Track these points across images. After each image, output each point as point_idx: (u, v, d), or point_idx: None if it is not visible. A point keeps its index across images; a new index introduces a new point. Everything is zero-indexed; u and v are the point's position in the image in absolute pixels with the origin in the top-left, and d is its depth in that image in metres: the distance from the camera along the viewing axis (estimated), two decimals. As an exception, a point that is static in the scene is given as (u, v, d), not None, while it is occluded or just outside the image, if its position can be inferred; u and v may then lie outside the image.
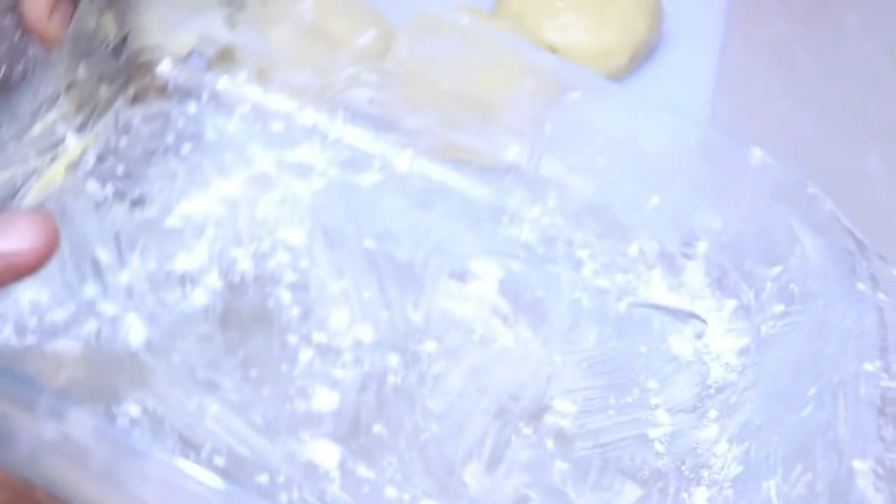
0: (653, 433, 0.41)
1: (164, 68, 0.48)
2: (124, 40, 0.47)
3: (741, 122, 0.56)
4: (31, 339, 0.37)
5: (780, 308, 0.44)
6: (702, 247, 0.47)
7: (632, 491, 0.39)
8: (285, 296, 0.42)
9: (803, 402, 0.39)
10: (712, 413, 0.42)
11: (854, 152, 0.52)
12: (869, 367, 0.37)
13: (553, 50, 0.54)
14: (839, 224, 0.43)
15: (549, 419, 0.40)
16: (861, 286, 0.40)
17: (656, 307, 0.47)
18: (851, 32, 0.51)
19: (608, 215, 0.48)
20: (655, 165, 0.47)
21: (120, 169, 0.44)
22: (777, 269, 0.45)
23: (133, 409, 0.36)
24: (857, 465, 0.33)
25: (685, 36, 0.59)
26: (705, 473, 0.40)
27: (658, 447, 0.41)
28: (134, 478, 0.29)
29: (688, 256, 0.47)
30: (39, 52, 0.43)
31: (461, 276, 0.45)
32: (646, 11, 0.56)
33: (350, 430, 0.38)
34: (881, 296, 0.40)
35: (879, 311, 0.39)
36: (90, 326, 0.38)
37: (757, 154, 0.45)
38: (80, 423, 0.29)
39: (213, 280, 0.41)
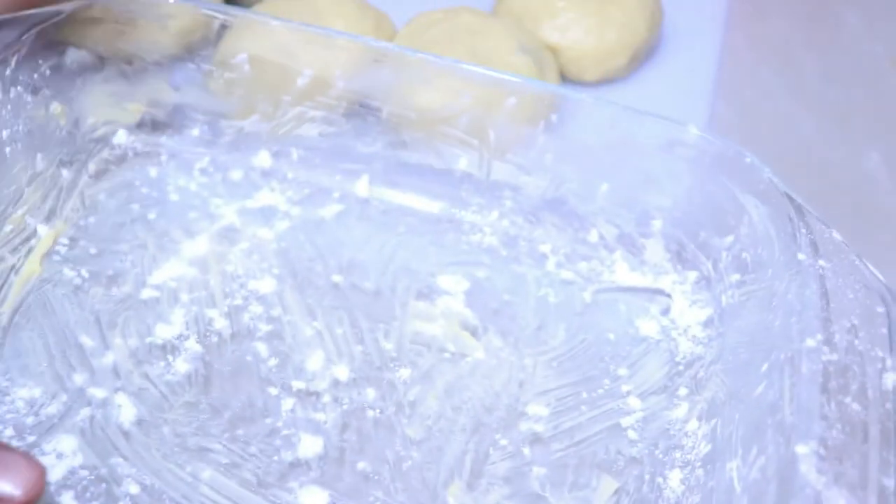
0: (625, 421, 0.43)
1: (120, 139, 0.50)
2: (76, 122, 0.49)
3: (741, 122, 0.57)
4: (30, 439, 0.40)
5: (736, 277, 0.46)
6: (657, 224, 0.49)
7: (608, 485, 0.41)
8: (262, 348, 0.44)
9: (758, 379, 0.40)
10: (682, 391, 0.44)
11: (854, 152, 0.52)
12: (810, 342, 0.38)
13: (553, 50, 0.55)
14: (778, 191, 0.44)
15: (523, 426, 0.43)
16: (801, 256, 0.41)
17: (622, 289, 0.49)
18: (851, 32, 0.51)
19: (564, 208, 0.50)
20: (600, 154, 0.48)
21: (92, 249, 0.47)
22: (730, 239, 0.46)
23: (133, 488, 0.39)
24: (800, 449, 0.35)
25: (685, 36, 0.59)
26: (678, 455, 0.42)
27: (631, 435, 0.43)
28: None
29: (645, 235, 0.49)
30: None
31: (428, 294, 0.47)
32: (646, 12, 0.56)
33: (335, 473, 0.40)
34: (822, 262, 0.41)
35: (821, 279, 0.41)
36: (84, 413, 0.41)
37: (693, 131, 0.46)
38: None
39: (193, 345, 0.44)
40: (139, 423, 0.41)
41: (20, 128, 0.46)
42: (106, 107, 0.49)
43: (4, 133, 0.45)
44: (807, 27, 0.50)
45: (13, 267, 0.45)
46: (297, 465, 0.41)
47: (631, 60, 0.56)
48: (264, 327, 0.45)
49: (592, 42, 0.56)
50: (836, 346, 0.38)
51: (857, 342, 0.39)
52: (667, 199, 0.48)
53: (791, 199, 0.43)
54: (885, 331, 0.39)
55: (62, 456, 0.40)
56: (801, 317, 0.39)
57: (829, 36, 0.50)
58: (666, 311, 0.48)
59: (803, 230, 0.42)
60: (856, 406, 0.37)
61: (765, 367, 0.40)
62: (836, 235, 0.42)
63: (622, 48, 0.56)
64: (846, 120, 0.53)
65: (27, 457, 0.35)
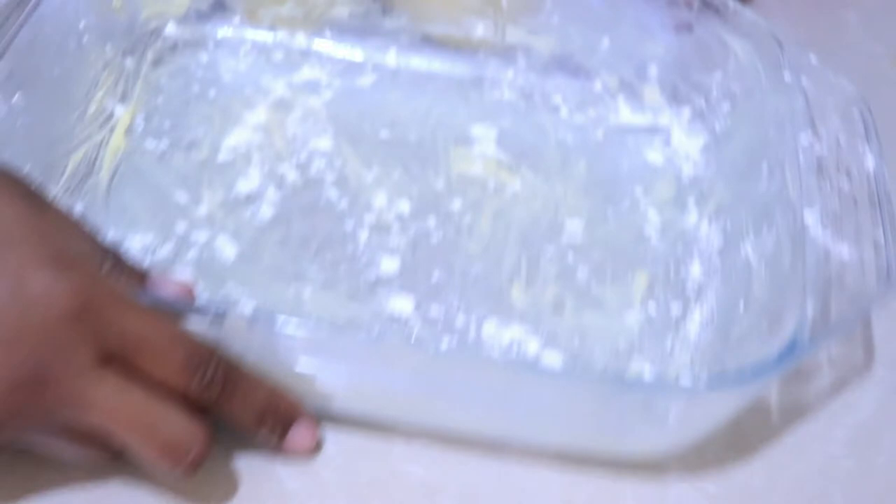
0: (647, 229, 0.51)
1: (171, 30, 0.56)
2: (133, 15, 0.55)
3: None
4: (152, 275, 0.46)
5: (727, 106, 0.54)
6: (653, 70, 0.56)
7: (642, 277, 0.49)
8: (332, 192, 0.51)
9: (759, 178, 0.48)
10: (691, 202, 0.52)
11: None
12: (803, 140, 0.46)
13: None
14: (761, 27, 0.52)
15: (564, 237, 0.50)
16: (787, 76, 0.49)
17: (627, 128, 0.56)
18: (851, 32, 0.51)
19: (571, 62, 0.57)
20: (600, 12, 0.55)
21: (166, 124, 0.53)
22: (718, 74, 0.54)
23: (248, 308, 0.46)
24: (808, 217, 0.43)
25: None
26: (696, 250, 0.50)
27: (654, 239, 0.51)
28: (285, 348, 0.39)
29: (643, 80, 0.56)
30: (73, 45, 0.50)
31: (464, 142, 0.54)
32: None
33: (414, 283, 0.47)
34: (804, 79, 0.49)
35: (804, 93, 0.48)
36: (192, 253, 0.47)
37: (680, -17, 0.54)
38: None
39: (272, 194, 0.50)
40: (241, 256, 0.47)
41: (92, 19, 0.51)
42: (156, 1, 0.55)
43: (82, 23, 0.51)
44: (807, 27, 0.50)
45: (102, 141, 0.51)
46: (381, 280, 0.47)
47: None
48: (330, 176, 0.51)
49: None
50: (824, 141, 0.46)
51: (840, 137, 0.47)
52: (660, 46, 0.56)
53: (773, 35, 0.51)
54: (861, 127, 0.47)
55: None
56: (793, 123, 0.47)
57: (829, 36, 0.50)
58: (667, 143, 0.55)
59: (786, 55, 0.50)
60: (846, 184, 0.45)
61: (765, 167, 0.48)
62: (814, 58, 0.50)
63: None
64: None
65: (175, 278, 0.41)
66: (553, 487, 0.41)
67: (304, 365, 0.39)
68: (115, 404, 0.36)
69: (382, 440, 0.42)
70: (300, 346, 0.39)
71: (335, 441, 0.42)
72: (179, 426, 0.37)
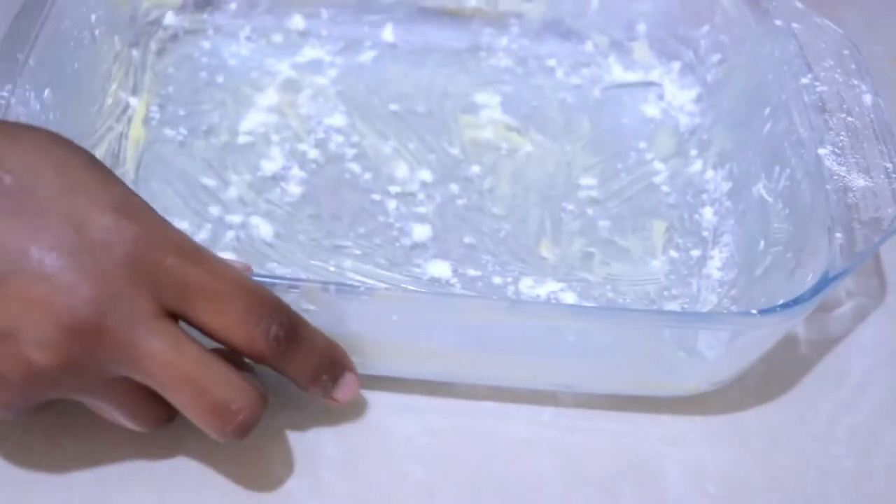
0: (657, 179, 0.54)
1: (170, 20, 0.57)
2: (135, 7, 0.55)
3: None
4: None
5: (717, 57, 0.56)
6: (641, 28, 0.59)
7: (659, 225, 0.51)
8: (354, 167, 0.52)
9: (763, 121, 0.51)
10: (693, 151, 0.55)
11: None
12: (804, 80, 0.49)
13: None
14: (745, -21, 0.54)
15: (581, 193, 0.52)
16: (777, 22, 0.52)
17: (621, 85, 0.58)
18: (851, 32, 0.50)
19: (562, 26, 0.59)
20: (588, -25, 0.57)
21: (181, 112, 0.53)
22: (706, 27, 0.57)
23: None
24: (821, 150, 0.46)
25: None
26: (705, 196, 0.53)
27: (664, 188, 0.53)
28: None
29: (632, 39, 0.59)
30: (87, 38, 0.51)
31: (471, 109, 0.56)
32: None
33: (448, 248, 0.49)
34: (795, 24, 0.52)
35: (796, 37, 0.51)
36: (230, 235, 0.48)
37: (664, -57, 0.56)
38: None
39: (297, 172, 0.51)
40: (277, 235, 0.49)
41: (101, 12, 0.52)
42: (154, -7, 0.56)
43: (93, 16, 0.51)
44: (814, 12, 0.49)
45: (122, 133, 0.52)
46: (415, 247, 0.49)
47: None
48: (350, 151, 0.53)
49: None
50: (823, 80, 0.49)
51: (837, 76, 0.50)
52: (647, 5, 0.58)
53: (758, -18, 0.54)
54: (854, 66, 0.50)
55: (227, 269, 0.47)
56: (791, 65, 0.50)
57: None
58: (661, 97, 0.58)
59: (774, 4, 0.53)
60: (850, 119, 0.48)
61: (767, 110, 0.51)
62: (799, 4, 0.53)
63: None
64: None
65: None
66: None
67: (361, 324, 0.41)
68: (168, 358, 0.35)
69: (383, 440, 0.43)
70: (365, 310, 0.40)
71: (335, 441, 0.42)
72: (231, 386, 0.36)
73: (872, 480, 0.44)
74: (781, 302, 0.40)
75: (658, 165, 0.54)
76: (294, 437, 0.42)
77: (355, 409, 0.43)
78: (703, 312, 0.46)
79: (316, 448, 0.42)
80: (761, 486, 0.43)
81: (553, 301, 0.47)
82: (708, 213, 0.52)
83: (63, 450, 0.41)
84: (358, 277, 0.47)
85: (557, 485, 0.42)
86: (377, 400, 0.44)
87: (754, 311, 0.40)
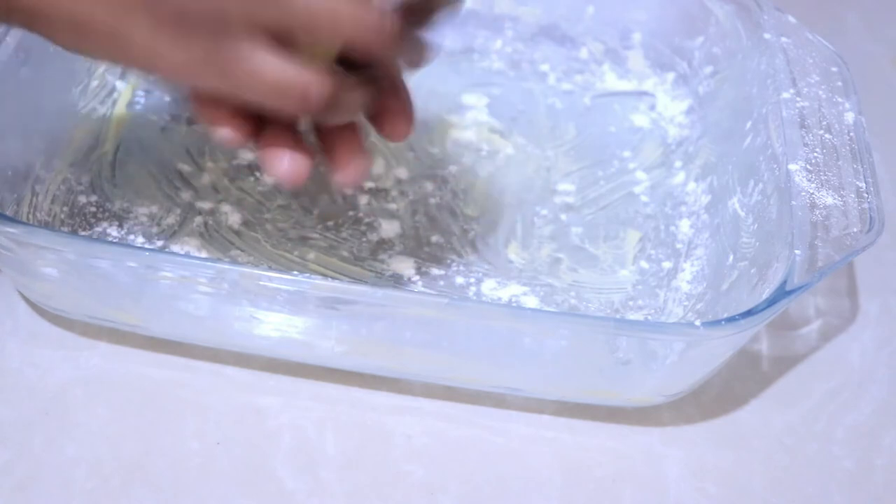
0: (637, 189, 0.53)
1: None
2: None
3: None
4: (159, 243, 0.48)
5: (709, 69, 0.56)
6: (636, 37, 0.58)
7: (633, 235, 0.51)
8: (331, 161, 0.52)
9: (744, 135, 0.50)
10: (677, 163, 0.54)
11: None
12: (785, 95, 0.48)
13: None
14: (739, -9, 0.54)
15: (557, 199, 0.52)
16: (767, 35, 0.51)
17: (613, 93, 0.58)
18: (851, 32, 0.51)
19: (557, 31, 0.58)
20: (584, -19, 0.57)
21: (166, 99, 0.54)
22: (700, 39, 0.56)
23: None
24: (793, 167, 0.45)
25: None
26: (683, 208, 0.52)
27: (643, 198, 0.53)
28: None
29: (627, 47, 0.58)
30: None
31: (457, 110, 0.56)
32: None
33: (415, 246, 0.49)
34: (784, 39, 0.51)
35: (784, 51, 0.50)
36: (198, 221, 0.49)
37: (662, -47, 0.56)
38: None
39: (273, 163, 0.51)
40: (245, 223, 0.49)
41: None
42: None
43: (83, 0, 0.52)
44: (807, 27, 0.49)
45: (105, 115, 0.52)
46: (382, 243, 0.49)
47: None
48: (329, 144, 0.53)
49: None
50: (805, 96, 0.48)
51: (820, 92, 0.49)
52: (643, 14, 0.58)
53: (751, -4, 0.53)
54: (840, 83, 0.49)
55: (190, 253, 0.47)
56: (774, 79, 0.49)
57: (829, 36, 0.49)
58: (652, 107, 0.57)
59: (765, 17, 0.52)
60: (827, 136, 0.47)
61: (749, 124, 0.50)
62: (792, 19, 0.52)
63: None
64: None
65: None
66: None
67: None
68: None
69: (383, 440, 0.43)
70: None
71: (335, 441, 0.43)
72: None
73: (872, 480, 0.43)
74: (726, 316, 0.39)
75: (640, 175, 0.54)
76: (294, 437, 0.42)
77: (355, 409, 0.43)
78: (639, 321, 0.46)
79: (316, 448, 0.42)
80: (761, 487, 0.42)
81: (514, 304, 0.47)
82: (684, 226, 0.51)
83: (63, 449, 0.41)
84: (318, 269, 0.47)
85: (557, 485, 0.42)
86: (377, 400, 0.44)
87: (697, 324, 0.39)
